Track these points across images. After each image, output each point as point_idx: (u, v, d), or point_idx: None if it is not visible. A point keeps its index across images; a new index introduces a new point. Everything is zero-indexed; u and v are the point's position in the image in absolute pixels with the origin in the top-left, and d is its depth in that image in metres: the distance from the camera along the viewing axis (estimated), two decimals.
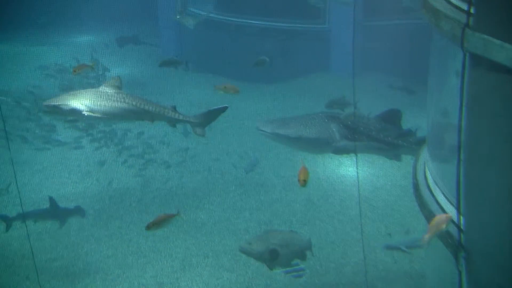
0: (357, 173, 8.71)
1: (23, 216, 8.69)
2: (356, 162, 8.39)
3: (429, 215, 4.93)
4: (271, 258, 6.73)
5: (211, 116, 7.24)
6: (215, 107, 7.19)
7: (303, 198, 9.60)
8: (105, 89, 6.96)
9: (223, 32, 14.99)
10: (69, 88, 11.10)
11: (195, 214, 9.35)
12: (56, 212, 8.94)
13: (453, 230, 4.45)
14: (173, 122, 7.23)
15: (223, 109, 7.19)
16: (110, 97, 6.94)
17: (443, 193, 4.99)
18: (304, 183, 6.27)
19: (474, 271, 4.18)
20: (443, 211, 4.79)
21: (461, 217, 4.31)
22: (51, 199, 8.94)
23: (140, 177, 10.51)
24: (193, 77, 15.21)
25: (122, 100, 6.98)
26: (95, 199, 9.80)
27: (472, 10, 3.85)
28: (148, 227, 6.57)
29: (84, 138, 11.21)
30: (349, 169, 10.36)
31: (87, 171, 10.75)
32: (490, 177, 3.86)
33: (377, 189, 9.83)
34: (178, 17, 10.09)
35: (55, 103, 6.69)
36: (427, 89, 5.92)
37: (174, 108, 7.15)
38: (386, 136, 7.60)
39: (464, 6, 4.09)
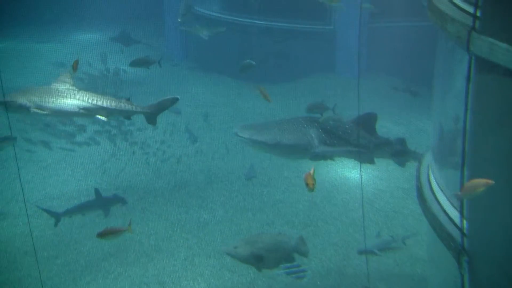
0: (361, 175, 8.70)
1: (71, 211, 8.79)
2: (360, 164, 8.36)
3: (432, 218, 4.92)
4: (256, 262, 6.74)
5: (162, 106, 7.46)
6: (166, 98, 7.39)
7: (306, 199, 9.59)
8: (56, 85, 6.98)
9: (228, 32, 14.99)
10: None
11: (198, 214, 9.35)
12: (100, 203, 9.05)
13: (456, 234, 4.44)
14: (128, 114, 7.36)
15: (174, 100, 7.43)
16: (60, 93, 6.96)
17: (446, 197, 4.98)
18: (312, 187, 6.22)
19: (477, 275, 4.17)
20: (446, 214, 4.78)
21: (464, 221, 4.30)
22: (96, 191, 9.04)
23: (143, 176, 10.52)
24: (198, 76, 15.25)
25: (73, 96, 7.01)
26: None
27: (478, 13, 3.84)
28: (98, 235, 6.47)
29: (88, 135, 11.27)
30: (352, 171, 10.35)
31: (90, 169, 10.77)
32: (494, 181, 3.85)
33: (380, 191, 9.81)
34: (179, 20, 9.97)
35: (3, 100, 6.72)
36: (431, 92, 5.91)
37: (128, 100, 7.23)
38: (363, 141, 7.57)
39: (470, 9, 4.08)
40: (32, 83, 13.12)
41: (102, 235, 6.39)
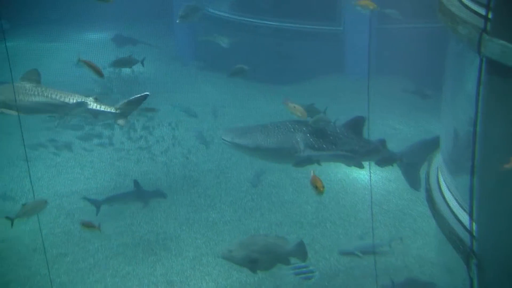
0: (370, 176, 8.68)
1: (111, 200, 9.08)
2: (369, 165, 8.35)
3: (441, 220, 4.91)
4: (251, 265, 6.76)
5: (132, 105, 7.21)
6: (135, 96, 7.16)
7: (315, 200, 9.58)
8: (22, 83, 6.94)
9: (237, 32, 15.00)
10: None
11: (206, 213, 9.37)
12: (140, 194, 9.24)
13: (465, 236, 4.43)
14: (95, 114, 7.20)
15: (144, 98, 7.17)
16: (25, 91, 6.92)
17: (456, 199, 4.97)
18: (322, 189, 6.18)
19: (486, 278, 4.16)
20: (456, 217, 4.77)
21: (474, 224, 4.29)
22: (135, 182, 9.23)
23: (151, 175, 10.55)
24: (207, 76, 15.25)
25: (39, 93, 6.96)
26: (106, 196, 9.83)
27: (490, 15, 3.82)
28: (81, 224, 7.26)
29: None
30: (361, 172, 10.32)
31: (99, 168, 10.81)
32: (504, 184, 3.84)
33: (389, 193, 9.79)
34: (177, 21, 9.86)
35: None
36: (441, 94, 5.89)
37: (95, 99, 7.13)
38: (352, 145, 7.52)
39: (482, 11, 4.07)
40: (43, 80, 13.26)
41: (84, 224, 7.23)
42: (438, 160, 5.93)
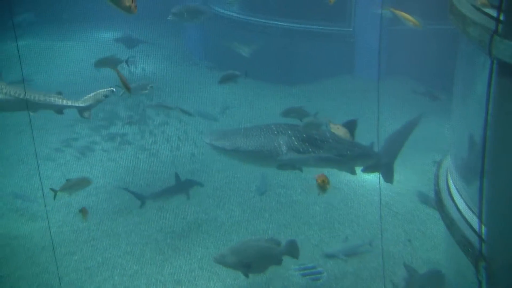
0: (379, 178, 8.64)
1: (155, 195, 9.36)
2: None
3: (450, 223, 4.89)
4: (244, 269, 6.84)
5: (95, 100, 7.43)
6: (99, 91, 7.39)
7: (323, 201, 9.57)
8: None
9: (247, 32, 15.01)
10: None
11: (214, 213, 9.37)
12: (181, 187, 9.47)
13: (474, 239, 4.41)
14: (60, 109, 7.30)
15: (108, 93, 7.40)
16: None
17: (465, 202, 4.95)
18: (325, 184, 6.14)
19: (495, 281, 4.13)
20: (465, 219, 4.75)
21: (483, 226, 4.27)
22: (176, 175, 9.49)
23: (160, 174, 10.57)
24: (217, 76, 15.24)
25: (1, 91, 7.00)
26: (115, 195, 9.87)
27: (501, 17, 3.80)
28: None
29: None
30: (370, 174, 10.29)
31: (108, 166, 10.85)
32: None
33: (398, 194, 9.76)
34: (168, 18, 9.74)
35: None
36: (451, 96, 5.87)
37: (59, 94, 7.20)
38: (341, 149, 7.46)
39: (493, 13, 4.05)
40: (55, 78, 13.34)
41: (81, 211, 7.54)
42: (447, 162, 5.90)
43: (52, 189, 7.25)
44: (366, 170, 7.92)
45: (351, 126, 7.64)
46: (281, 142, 7.39)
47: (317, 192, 6.30)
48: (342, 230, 8.90)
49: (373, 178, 10.08)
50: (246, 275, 6.95)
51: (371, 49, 13.88)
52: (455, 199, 5.11)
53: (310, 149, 7.38)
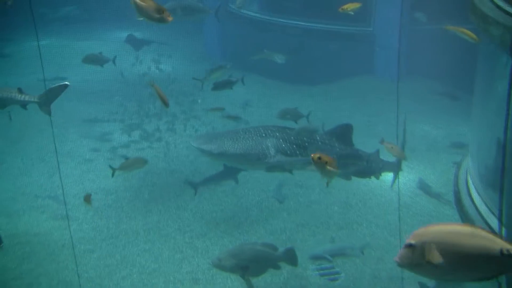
0: (398, 178, 8.60)
1: (208, 181, 9.93)
2: (398, 167, 8.27)
3: (469, 224, 4.85)
4: (242, 273, 6.89)
5: (53, 94, 7.38)
6: (55, 85, 7.32)
7: (341, 201, 9.55)
8: None
9: (266, 32, 15.02)
10: None
11: (232, 212, 9.39)
12: (229, 173, 9.82)
13: None
14: (20, 104, 7.36)
15: (64, 87, 7.35)
16: None
17: (485, 203, 4.91)
18: (324, 167, 5.73)
19: None
20: (485, 220, 4.71)
21: (503, 228, 4.23)
22: (225, 165, 9.80)
23: (180, 173, 10.62)
24: (234, 75, 15.27)
25: None
26: (135, 193, 9.95)
27: None
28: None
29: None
30: (388, 174, 10.24)
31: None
32: None
33: (417, 195, 9.70)
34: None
35: None
36: (472, 96, 5.82)
37: (19, 90, 7.26)
38: (332, 153, 7.37)
39: None
40: (74, 76, 13.45)
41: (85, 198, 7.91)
42: (467, 163, 5.86)
43: (111, 167, 7.89)
44: (357, 175, 7.86)
45: (346, 130, 7.60)
46: (269, 144, 7.37)
47: (337, 193, 6.17)
48: (360, 230, 8.87)
49: (391, 178, 10.04)
50: (244, 278, 6.99)
51: (392, 49, 13.82)
52: (474, 200, 5.07)
53: (297, 152, 7.35)
